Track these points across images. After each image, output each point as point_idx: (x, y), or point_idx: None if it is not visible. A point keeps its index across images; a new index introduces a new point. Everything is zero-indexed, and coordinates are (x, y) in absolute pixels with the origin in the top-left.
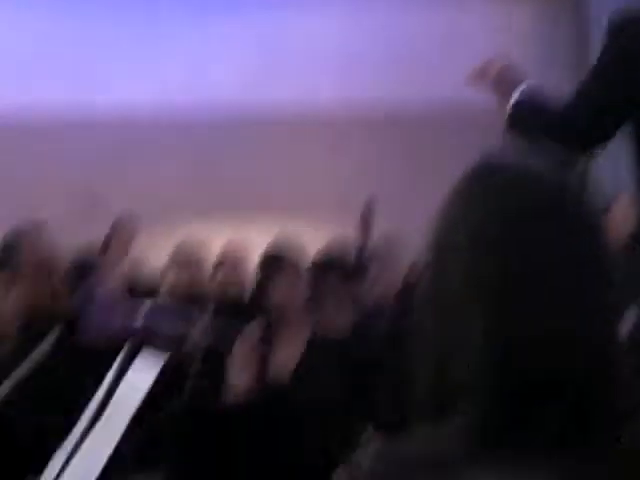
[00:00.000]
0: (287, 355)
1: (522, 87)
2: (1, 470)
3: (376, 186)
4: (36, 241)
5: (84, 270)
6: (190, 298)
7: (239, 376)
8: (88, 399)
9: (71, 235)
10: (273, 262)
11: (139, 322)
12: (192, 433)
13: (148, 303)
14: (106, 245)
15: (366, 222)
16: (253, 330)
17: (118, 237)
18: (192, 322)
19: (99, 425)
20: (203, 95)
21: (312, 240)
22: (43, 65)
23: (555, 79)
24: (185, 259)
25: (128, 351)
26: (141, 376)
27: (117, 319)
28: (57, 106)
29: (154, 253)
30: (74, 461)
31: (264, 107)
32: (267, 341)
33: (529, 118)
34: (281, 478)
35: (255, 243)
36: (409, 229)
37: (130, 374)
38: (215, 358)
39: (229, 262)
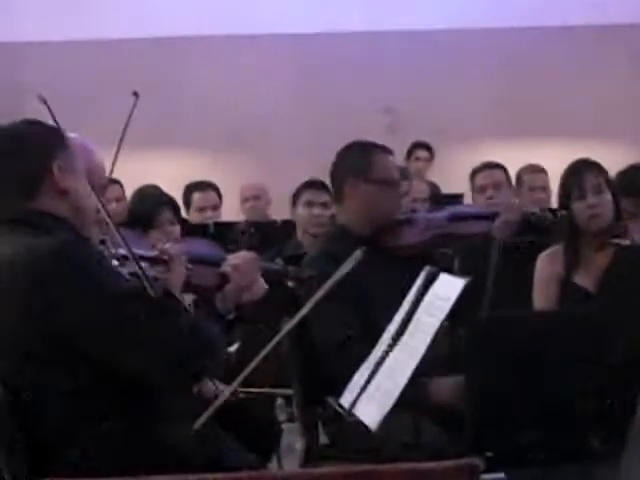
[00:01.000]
0: (591, 272)
1: None
2: (305, 389)
3: None
4: (386, 156)
5: None
6: None
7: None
8: (394, 310)
9: None
10: (575, 182)
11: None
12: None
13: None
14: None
15: None
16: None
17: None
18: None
19: (403, 338)
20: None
21: (609, 162)
22: None
23: None
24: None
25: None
26: (447, 288)
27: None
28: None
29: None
30: (377, 376)
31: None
32: (571, 259)
33: None
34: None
35: (550, 166)
36: None
37: (436, 285)
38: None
39: None
